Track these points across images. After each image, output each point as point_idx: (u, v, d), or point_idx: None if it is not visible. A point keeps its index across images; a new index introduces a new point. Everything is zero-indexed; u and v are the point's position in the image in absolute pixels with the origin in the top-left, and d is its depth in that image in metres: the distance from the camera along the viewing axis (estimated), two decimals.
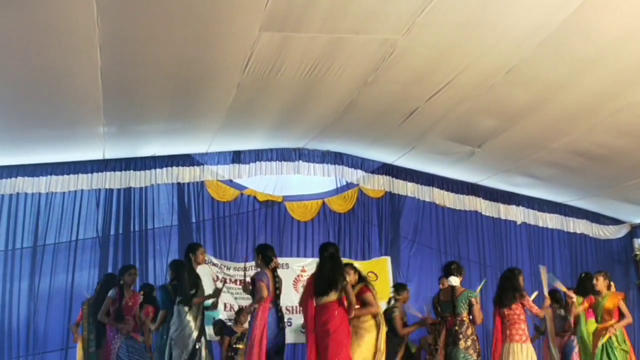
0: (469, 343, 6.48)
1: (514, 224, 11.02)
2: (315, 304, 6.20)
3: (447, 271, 6.80)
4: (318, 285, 6.23)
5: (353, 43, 6.17)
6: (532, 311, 6.95)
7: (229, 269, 9.11)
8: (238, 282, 8.78)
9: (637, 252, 11.76)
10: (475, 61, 6.45)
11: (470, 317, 6.57)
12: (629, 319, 7.29)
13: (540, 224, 11.10)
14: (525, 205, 11.08)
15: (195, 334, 6.38)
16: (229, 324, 8.28)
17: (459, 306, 6.53)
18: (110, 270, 8.40)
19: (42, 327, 8.45)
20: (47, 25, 5.36)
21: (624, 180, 9.50)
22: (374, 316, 6.56)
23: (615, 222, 11.74)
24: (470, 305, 6.56)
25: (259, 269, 6.42)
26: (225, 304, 9.00)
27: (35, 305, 8.47)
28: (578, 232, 11.37)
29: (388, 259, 9.84)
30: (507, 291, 6.93)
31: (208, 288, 7.48)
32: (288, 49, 6.20)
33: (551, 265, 10.80)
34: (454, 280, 6.66)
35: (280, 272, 8.74)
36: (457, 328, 6.48)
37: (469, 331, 6.53)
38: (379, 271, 9.66)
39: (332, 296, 6.14)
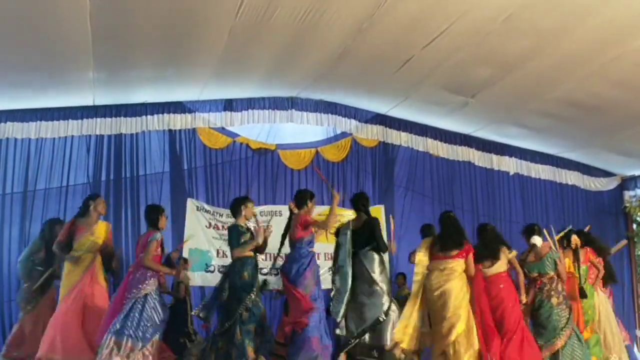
0: (560, 299, 6.70)
1: (506, 174, 11.07)
2: None
3: (530, 232, 6.94)
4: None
5: None
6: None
7: (221, 215, 9.11)
8: None
9: (627, 205, 11.88)
10: (472, 8, 6.37)
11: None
12: None
13: (533, 175, 11.18)
14: (518, 157, 11.13)
15: None
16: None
17: (546, 266, 6.75)
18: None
19: None
20: None
21: (616, 132, 9.54)
22: None
23: (606, 174, 11.86)
24: (556, 264, 6.78)
25: None
26: (217, 251, 9.06)
27: None
28: (569, 183, 11.47)
29: (382, 207, 9.86)
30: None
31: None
32: None
33: (544, 216, 10.92)
34: (537, 241, 6.83)
35: (273, 219, 8.84)
36: (548, 285, 6.70)
37: (560, 287, 6.76)
38: None
39: None
